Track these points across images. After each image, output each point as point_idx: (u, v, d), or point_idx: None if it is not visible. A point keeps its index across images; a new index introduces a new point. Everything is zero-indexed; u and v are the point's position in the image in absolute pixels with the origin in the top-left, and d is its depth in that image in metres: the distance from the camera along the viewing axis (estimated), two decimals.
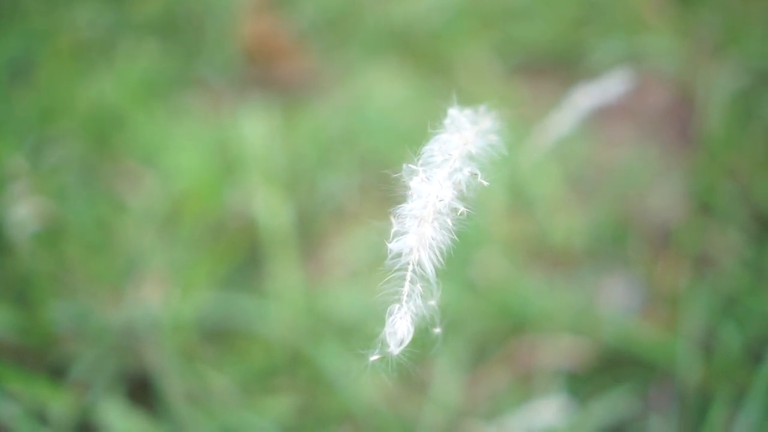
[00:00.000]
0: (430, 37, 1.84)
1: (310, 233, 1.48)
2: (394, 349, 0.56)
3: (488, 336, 1.30)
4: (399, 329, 0.56)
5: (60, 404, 1.14)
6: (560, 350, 1.27)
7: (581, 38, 1.79)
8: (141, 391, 1.20)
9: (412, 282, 0.57)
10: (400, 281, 0.57)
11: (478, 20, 1.87)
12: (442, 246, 0.58)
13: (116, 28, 1.76)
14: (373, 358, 0.57)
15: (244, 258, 1.40)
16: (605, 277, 1.41)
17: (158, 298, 1.29)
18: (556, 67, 1.78)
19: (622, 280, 1.40)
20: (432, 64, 1.80)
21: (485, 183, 0.61)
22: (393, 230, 0.58)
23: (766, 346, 1.13)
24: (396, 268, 0.57)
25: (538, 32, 1.81)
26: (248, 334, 1.30)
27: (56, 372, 1.20)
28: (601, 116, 1.66)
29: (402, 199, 0.60)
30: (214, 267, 1.36)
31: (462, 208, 0.59)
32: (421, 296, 0.57)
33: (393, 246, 0.58)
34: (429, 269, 0.57)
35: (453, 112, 0.67)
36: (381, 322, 1.40)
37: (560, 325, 1.29)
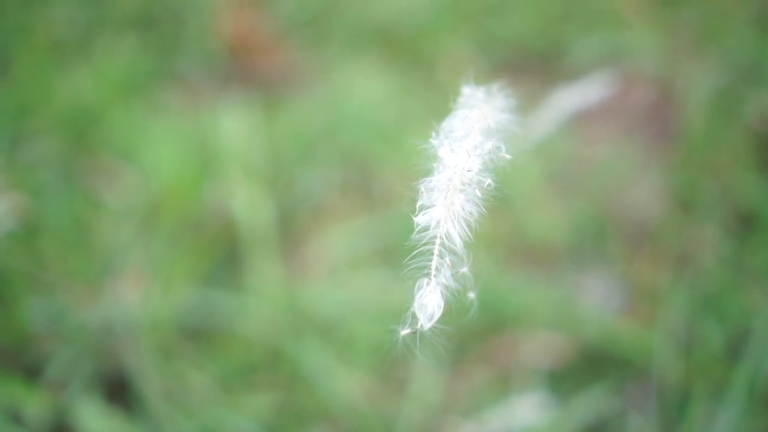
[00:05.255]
0: (411, 33, 1.83)
1: (291, 230, 1.47)
2: (425, 323, 0.55)
3: (468, 333, 1.30)
4: (429, 303, 0.55)
5: (35, 404, 1.13)
6: (540, 347, 1.27)
7: (562, 35, 1.79)
8: (118, 391, 1.19)
9: (440, 255, 0.55)
10: (427, 255, 0.55)
11: (459, 16, 1.86)
12: (471, 219, 0.56)
13: (94, 24, 1.74)
14: (404, 332, 0.55)
15: (223, 255, 1.39)
16: (585, 274, 1.41)
17: (136, 296, 1.28)
18: (537, 63, 1.78)
19: (602, 277, 1.41)
20: (413, 60, 1.79)
21: (508, 156, 0.60)
22: (419, 204, 0.57)
23: (745, 343, 1.14)
24: (423, 242, 0.56)
25: (519, 29, 1.81)
26: (228, 331, 1.29)
27: (32, 371, 1.18)
28: (582, 113, 1.66)
29: (427, 172, 0.58)
30: (193, 264, 1.35)
31: (488, 181, 0.58)
32: (451, 267, 0.56)
33: (420, 219, 0.56)
34: (458, 242, 0.56)
35: (467, 89, 0.66)
36: (360, 319, 1.39)
37: (540, 322, 1.29)
